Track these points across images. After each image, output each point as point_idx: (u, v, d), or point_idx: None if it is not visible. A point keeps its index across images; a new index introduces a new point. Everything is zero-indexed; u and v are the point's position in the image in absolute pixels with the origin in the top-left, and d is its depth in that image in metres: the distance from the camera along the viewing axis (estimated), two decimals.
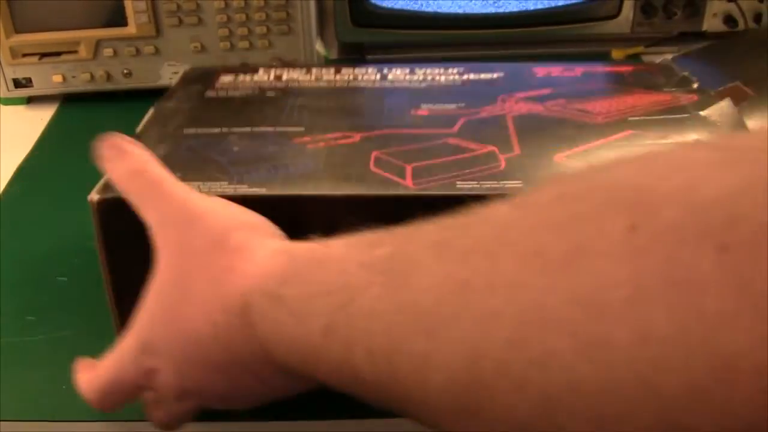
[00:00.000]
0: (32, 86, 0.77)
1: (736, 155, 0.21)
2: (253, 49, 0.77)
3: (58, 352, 0.49)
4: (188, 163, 0.45)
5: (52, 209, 0.63)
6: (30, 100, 0.79)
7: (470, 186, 0.42)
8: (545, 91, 0.54)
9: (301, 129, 0.49)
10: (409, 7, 0.81)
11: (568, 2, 0.81)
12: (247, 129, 0.49)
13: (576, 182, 0.24)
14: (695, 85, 0.53)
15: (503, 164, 0.44)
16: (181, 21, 0.75)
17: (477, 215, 0.26)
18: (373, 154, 0.45)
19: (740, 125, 0.46)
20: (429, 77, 0.57)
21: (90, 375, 0.38)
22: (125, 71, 0.77)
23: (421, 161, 0.45)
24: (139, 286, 0.38)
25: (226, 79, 0.58)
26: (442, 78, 0.57)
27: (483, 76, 0.58)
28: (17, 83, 0.77)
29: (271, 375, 0.34)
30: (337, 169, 0.44)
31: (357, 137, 0.48)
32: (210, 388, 0.36)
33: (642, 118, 0.49)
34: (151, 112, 0.53)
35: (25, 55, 0.75)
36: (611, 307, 0.20)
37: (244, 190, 0.42)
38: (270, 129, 0.49)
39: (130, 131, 0.46)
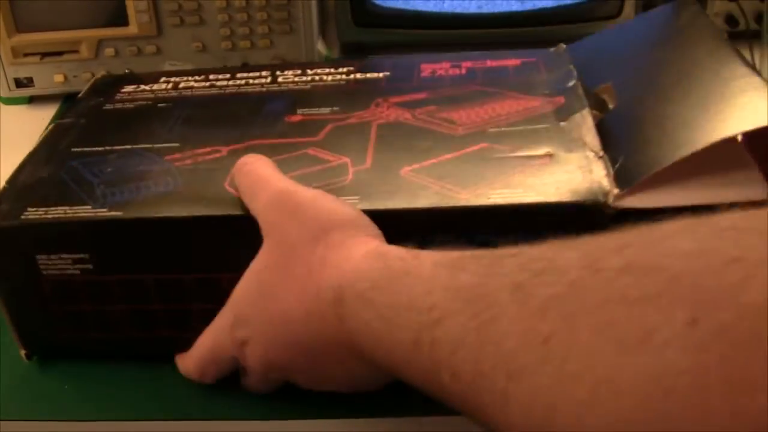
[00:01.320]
0: (34, 86, 0.77)
1: None
2: (254, 48, 0.77)
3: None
4: (63, 186, 0.46)
5: None
6: (31, 100, 0.79)
7: None
8: (420, 96, 0.54)
9: (177, 145, 0.49)
10: (411, 7, 0.81)
11: (570, 2, 0.81)
12: (128, 147, 0.50)
13: (641, 249, 0.26)
14: (571, 83, 0.52)
15: (350, 177, 0.45)
16: (182, 20, 0.75)
17: (551, 261, 0.28)
18: (233, 170, 0.45)
19: (590, 141, 0.45)
20: (317, 78, 0.58)
21: (187, 354, 0.44)
22: (127, 71, 0.77)
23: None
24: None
25: (128, 89, 0.58)
26: (329, 78, 0.57)
27: (369, 75, 0.58)
28: (19, 83, 0.77)
29: (356, 365, 0.38)
30: (193, 189, 0.45)
31: (225, 151, 0.48)
32: (293, 366, 0.40)
33: (501, 129, 0.48)
34: (49, 128, 0.54)
35: (26, 55, 0.75)
36: (676, 391, 0.22)
37: (103, 213, 0.43)
38: (148, 146, 0.50)
39: None
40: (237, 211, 0.43)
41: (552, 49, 0.59)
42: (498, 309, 0.28)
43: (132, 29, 0.75)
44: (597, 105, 0.50)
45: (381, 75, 0.57)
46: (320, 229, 0.39)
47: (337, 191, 0.43)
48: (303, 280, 0.38)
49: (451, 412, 0.31)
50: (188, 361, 0.44)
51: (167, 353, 0.46)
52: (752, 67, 0.46)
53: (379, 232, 0.40)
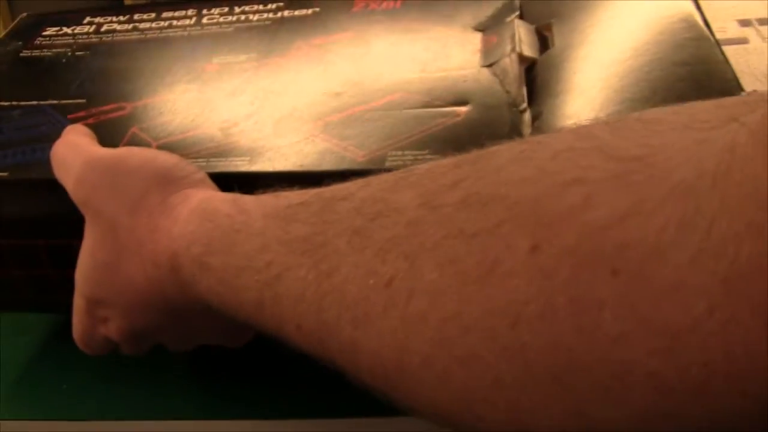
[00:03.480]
0: None
1: (630, 168, 0.22)
2: None
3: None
4: None
5: None
6: None
7: (199, 165, 0.40)
8: (342, 36, 0.50)
9: (83, 101, 0.47)
10: None
11: None
12: (35, 103, 0.47)
13: (477, 181, 0.25)
14: (509, 18, 0.47)
15: (247, 137, 0.42)
16: None
17: (386, 203, 0.28)
18: (131, 130, 0.44)
19: (514, 92, 0.41)
20: (242, 17, 0.54)
21: (74, 331, 0.41)
22: None
23: (173, 136, 0.43)
24: None
25: (49, 32, 0.55)
26: (255, 18, 0.54)
27: (297, 13, 0.54)
28: None
29: (213, 319, 0.36)
30: None
31: (128, 108, 0.46)
32: (159, 329, 0.39)
33: (420, 75, 0.45)
34: None
35: None
36: (524, 320, 0.22)
37: None
38: (54, 102, 0.47)
39: None
40: None
41: None
42: (337, 258, 0.28)
43: None
44: (536, 44, 0.46)
45: (310, 12, 0.54)
46: (136, 195, 0.37)
47: (227, 152, 0.41)
48: (136, 251, 0.37)
49: None
50: (75, 337, 0.42)
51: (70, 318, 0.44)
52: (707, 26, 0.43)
53: (202, 175, 0.38)
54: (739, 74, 0.42)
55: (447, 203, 0.25)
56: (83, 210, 0.39)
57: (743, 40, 0.48)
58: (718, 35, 0.46)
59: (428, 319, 0.24)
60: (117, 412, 0.44)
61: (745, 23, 0.50)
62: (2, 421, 0.44)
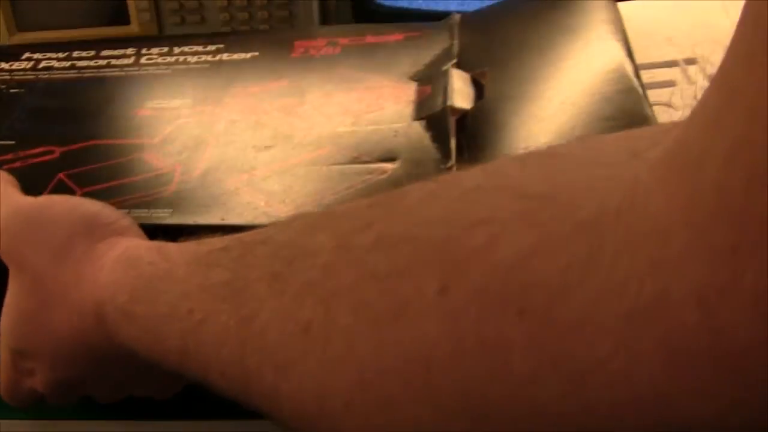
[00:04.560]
0: None
1: (536, 206, 0.22)
2: None
3: None
4: None
5: None
6: None
7: (138, 215, 0.40)
8: (279, 84, 0.49)
9: (12, 143, 0.46)
10: (412, 6, 0.80)
11: None
12: None
13: (388, 222, 0.26)
14: (446, 66, 0.47)
15: (173, 188, 0.42)
16: (183, 19, 0.75)
17: (302, 247, 0.28)
18: (58, 176, 0.43)
19: (442, 148, 0.41)
20: (181, 59, 0.53)
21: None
22: None
23: (99, 184, 0.43)
24: None
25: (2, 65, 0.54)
26: (194, 60, 0.53)
27: (236, 56, 0.53)
28: None
29: (141, 370, 0.37)
30: None
31: (57, 153, 0.45)
32: (86, 381, 0.39)
33: (351, 129, 0.44)
34: None
35: None
36: (436, 363, 0.22)
37: None
38: None
39: None
40: None
41: (443, 21, 0.54)
42: (256, 303, 0.28)
43: (133, 28, 0.75)
44: (471, 93, 0.45)
45: (249, 56, 0.53)
46: (59, 244, 0.37)
47: (151, 203, 0.41)
48: (62, 301, 0.36)
49: None
50: (1, 389, 0.41)
51: None
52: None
53: (128, 221, 0.38)
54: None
55: (360, 245, 0.26)
56: (6, 260, 0.38)
57: (670, 83, 0.48)
58: (646, 79, 0.46)
59: (346, 363, 0.25)
60: (116, 411, 0.44)
61: (671, 64, 0.50)
62: (2, 421, 0.44)
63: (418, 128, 0.43)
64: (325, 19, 0.83)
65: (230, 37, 0.55)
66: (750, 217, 0.17)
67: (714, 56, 0.49)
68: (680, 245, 0.18)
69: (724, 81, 0.19)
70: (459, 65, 0.48)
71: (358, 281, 0.25)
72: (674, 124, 0.22)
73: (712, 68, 0.48)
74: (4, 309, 0.39)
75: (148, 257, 0.35)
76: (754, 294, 0.17)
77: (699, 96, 0.46)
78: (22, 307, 0.38)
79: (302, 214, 0.30)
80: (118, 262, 0.36)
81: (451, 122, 0.43)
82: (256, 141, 0.45)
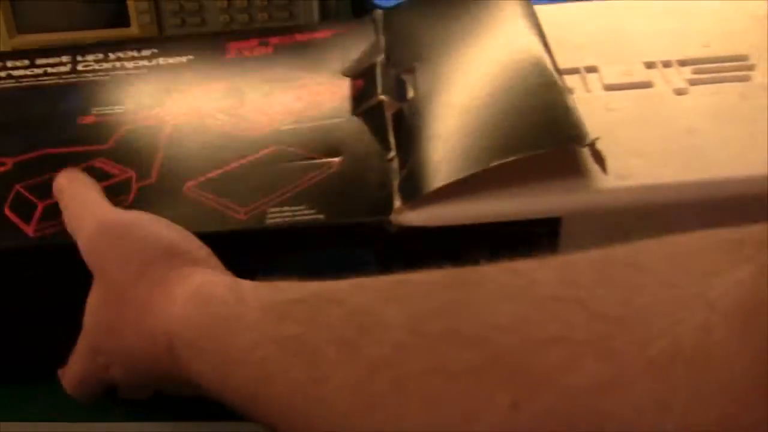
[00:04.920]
0: None
1: (611, 333, 0.22)
2: None
3: None
4: None
5: None
6: None
7: None
8: (217, 86, 0.50)
9: None
10: None
11: None
12: None
13: (463, 318, 0.26)
14: (377, 60, 0.48)
15: (132, 196, 0.42)
16: (184, 21, 0.75)
17: (376, 317, 0.28)
18: (15, 187, 0.43)
19: (381, 140, 0.43)
20: (118, 64, 0.53)
21: (66, 373, 0.42)
22: None
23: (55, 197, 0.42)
24: None
25: None
26: (131, 65, 0.53)
27: (171, 60, 0.53)
28: None
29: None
30: None
31: (10, 163, 0.45)
32: (156, 385, 0.40)
33: (294, 126, 0.45)
34: None
35: None
36: None
37: None
38: None
39: None
40: (12, 243, 0.40)
41: (367, 17, 0.55)
42: (327, 366, 0.28)
43: (133, 30, 0.75)
44: (398, 90, 0.47)
45: (184, 59, 0.53)
46: (140, 264, 0.38)
47: None
48: (135, 321, 0.37)
49: None
50: (66, 383, 0.42)
51: None
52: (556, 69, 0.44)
53: (205, 251, 0.39)
54: (639, 121, 0.43)
55: (430, 332, 0.26)
56: (91, 267, 0.39)
57: (647, 84, 0.48)
58: (623, 78, 0.47)
59: None
60: (116, 412, 0.44)
61: (650, 65, 0.50)
62: (2, 422, 0.44)
63: (357, 122, 0.45)
64: (325, 19, 0.83)
65: (162, 41, 0.55)
66: None
67: (616, 64, 0.49)
68: (750, 403, 0.19)
69: None
70: (387, 60, 0.49)
71: (430, 371, 0.25)
72: (749, 234, 0.23)
73: (611, 77, 0.49)
74: (88, 307, 0.40)
75: (222, 296, 0.35)
76: None
77: (594, 106, 0.44)
78: (102, 313, 0.39)
79: (377, 279, 0.30)
80: (193, 297, 0.36)
81: (388, 115, 0.44)
82: (203, 144, 0.45)
